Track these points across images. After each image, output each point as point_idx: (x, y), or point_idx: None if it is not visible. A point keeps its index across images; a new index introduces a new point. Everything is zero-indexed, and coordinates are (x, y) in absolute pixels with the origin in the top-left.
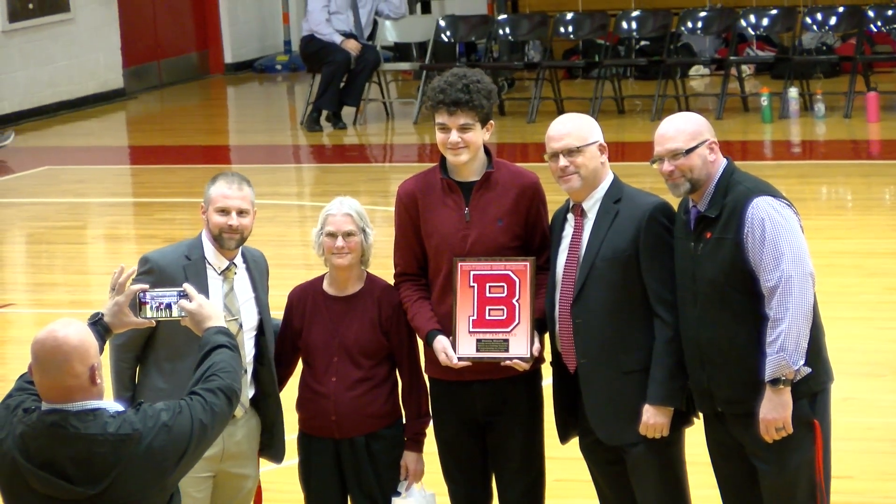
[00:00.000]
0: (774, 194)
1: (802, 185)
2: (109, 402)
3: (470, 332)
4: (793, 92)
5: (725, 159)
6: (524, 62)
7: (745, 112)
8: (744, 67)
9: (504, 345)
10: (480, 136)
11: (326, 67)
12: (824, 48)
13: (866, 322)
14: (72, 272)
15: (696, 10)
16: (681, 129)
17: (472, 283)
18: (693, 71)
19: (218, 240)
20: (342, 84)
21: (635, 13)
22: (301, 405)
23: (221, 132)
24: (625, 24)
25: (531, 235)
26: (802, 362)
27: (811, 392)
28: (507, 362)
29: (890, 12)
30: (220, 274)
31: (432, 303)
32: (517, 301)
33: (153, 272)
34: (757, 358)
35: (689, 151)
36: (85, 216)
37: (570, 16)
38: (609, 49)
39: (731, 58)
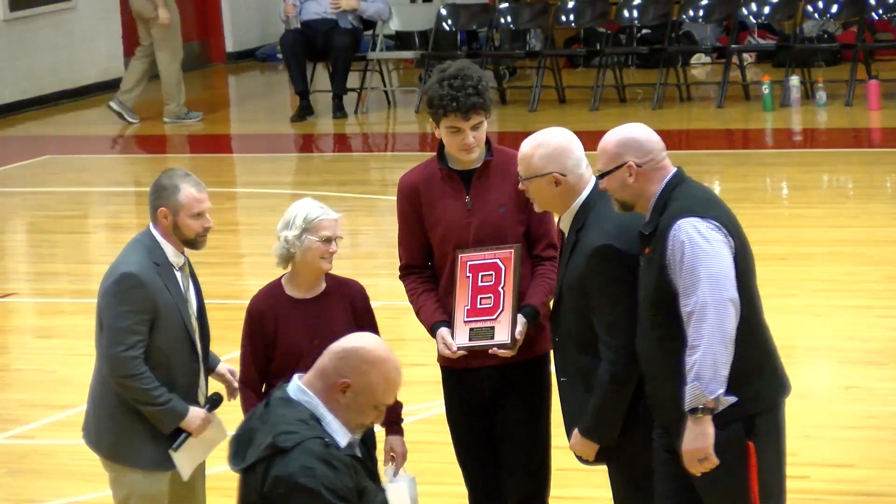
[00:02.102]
0: (703, 214)
1: (804, 173)
2: (319, 413)
3: (465, 321)
4: (794, 80)
5: (675, 170)
6: (525, 51)
7: (747, 100)
8: (745, 55)
9: (490, 332)
10: (485, 129)
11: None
12: (825, 36)
13: (867, 310)
14: (73, 262)
15: None
16: (603, 149)
17: (468, 274)
18: (694, 59)
19: (193, 243)
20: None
21: (636, 1)
22: None
23: (223, 121)
24: (626, 13)
25: (532, 219)
26: (722, 391)
27: (747, 414)
28: (492, 350)
29: (891, 0)
30: (178, 270)
31: (440, 294)
32: (502, 288)
33: (144, 286)
34: (678, 381)
35: (603, 175)
36: (86, 205)
37: (571, 4)
38: (610, 37)
39: (733, 46)
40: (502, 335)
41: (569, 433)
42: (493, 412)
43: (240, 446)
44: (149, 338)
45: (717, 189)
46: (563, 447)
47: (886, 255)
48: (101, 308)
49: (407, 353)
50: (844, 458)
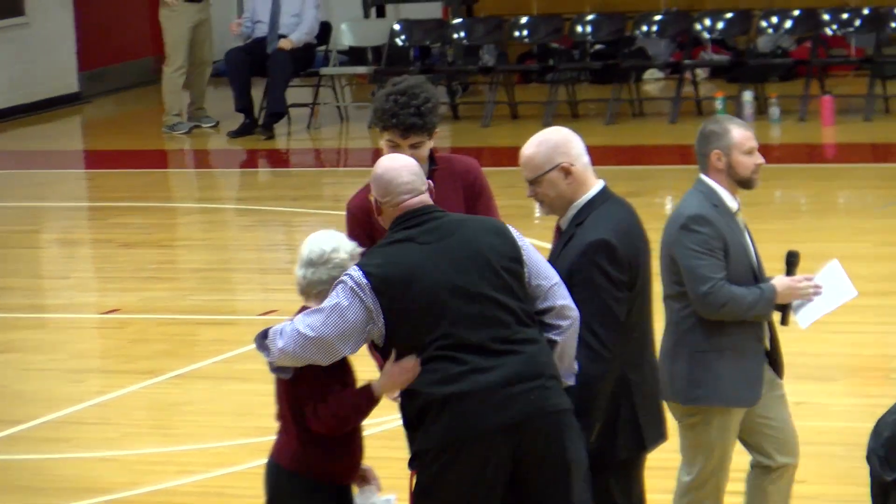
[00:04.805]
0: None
1: (757, 188)
2: None
3: None
4: (748, 95)
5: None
6: (479, 66)
7: (700, 116)
8: (698, 71)
9: None
10: (428, 146)
11: None
12: (780, 51)
13: (820, 326)
14: (28, 276)
15: (651, 14)
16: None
17: None
18: (648, 75)
19: (748, 182)
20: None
21: (590, 17)
22: (349, 452)
23: (179, 136)
24: (580, 28)
25: (483, 213)
26: None
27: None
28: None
29: (845, 15)
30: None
31: None
32: None
33: (711, 223)
34: None
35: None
36: (41, 220)
37: (524, 20)
38: (564, 53)
39: (686, 61)
40: None
41: None
42: None
43: (891, 452)
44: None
45: (668, 205)
46: None
47: None
48: (671, 258)
49: (361, 367)
50: (797, 475)
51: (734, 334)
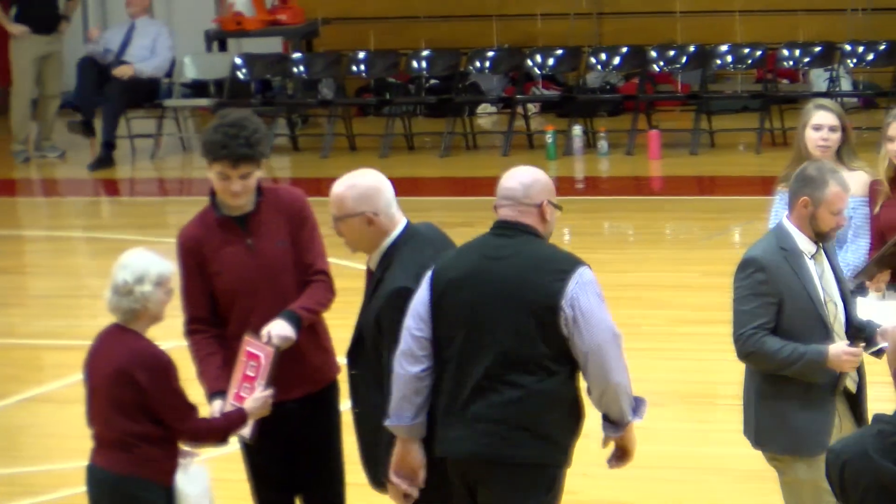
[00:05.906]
0: None
1: (586, 219)
2: None
3: (231, 403)
4: (577, 130)
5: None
6: (318, 100)
7: (531, 149)
8: (530, 106)
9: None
10: (257, 176)
11: None
12: (608, 87)
13: (650, 353)
14: None
15: (485, 50)
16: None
17: (243, 358)
18: (481, 109)
19: (825, 236)
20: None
21: (425, 53)
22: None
23: (22, 166)
24: (415, 64)
25: (301, 249)
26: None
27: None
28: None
29: (672, 53)
30: (810, 258)
31: (229, 337)
32: (257, 383)
33: (765, 270)
34: None
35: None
36: None
37: (362, 55)
38: (400, 87)
39: (518, 96)
40: (247, 429)
41: (364, 463)
42: (291, 443)
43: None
44: (776, 320)
45: None
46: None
47: (667, 300)
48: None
49: (201, 392)
50: (625, 498)
51: (801, 383)
